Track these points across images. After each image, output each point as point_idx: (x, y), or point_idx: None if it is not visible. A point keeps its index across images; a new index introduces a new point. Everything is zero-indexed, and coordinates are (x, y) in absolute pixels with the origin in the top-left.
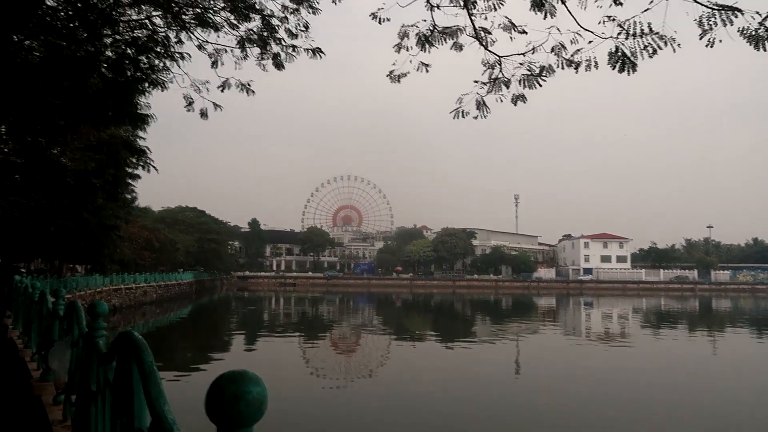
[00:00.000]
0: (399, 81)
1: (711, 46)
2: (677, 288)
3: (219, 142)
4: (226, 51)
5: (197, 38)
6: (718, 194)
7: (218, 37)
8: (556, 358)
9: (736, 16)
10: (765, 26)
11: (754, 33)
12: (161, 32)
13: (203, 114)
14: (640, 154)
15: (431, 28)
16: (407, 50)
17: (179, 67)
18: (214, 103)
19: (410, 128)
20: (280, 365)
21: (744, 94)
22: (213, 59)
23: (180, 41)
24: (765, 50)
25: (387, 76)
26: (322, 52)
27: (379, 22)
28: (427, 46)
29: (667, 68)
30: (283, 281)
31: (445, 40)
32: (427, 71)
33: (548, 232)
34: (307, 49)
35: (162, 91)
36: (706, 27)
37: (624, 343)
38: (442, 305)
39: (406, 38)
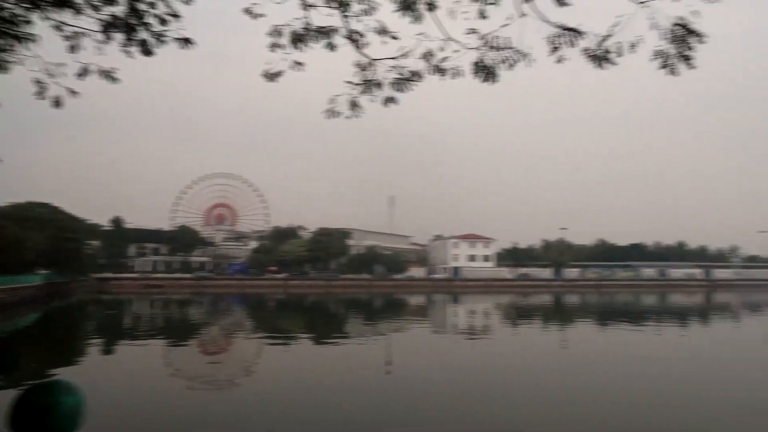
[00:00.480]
0: (274, 80)
1: (560, 62)
2: (535, 285)
3: (80, 135)
4: (86, 35)
5: (53, 19)
6: (571, 198)
7: (78, 19)
8: (425, 352)
9: (581, 38)
10: (603, 48)
11: (594, 53)
12: (8, 8)
13: (57, 102)
14: (505, 158)
15: (306, 27)
16: (281, 49)
17: (28, 48)
18: (70, 89)
19: (288, 125)
20: (139, 373)
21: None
22: (72, 43)
23: (28, 21)
24: (604, 69)
25: (262, 75)
26: (191, 42)
27: (254, 18)
28: (300, 44)
29: (523, 75)
30: (149, 283)
31: (318, 39)
32: (302, 69)
33: (421, 232)
34: (177, 39)
35: (3, 73)
36: (555, 45)
37: (486, 336)
38: (316, 305)
39: (279, 36)
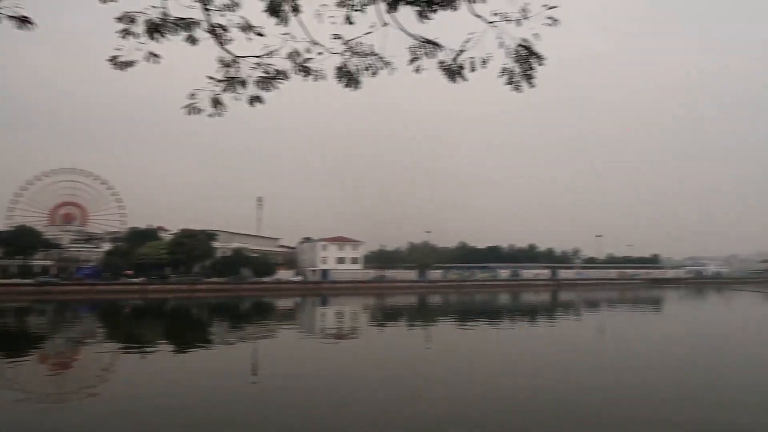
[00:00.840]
0: (124, 69)
1: (418, 72)
2: (400, 286)
3: None
4: None
5: None
6: (438, 202)
7: None
8: (293, 358)
9: (439, 50)
10: (457, 62)
11: (448, 67)
12: None
13: None
14: (370, 162)
15: (163, 17)
16: (134, 37)
17: None
18: None
19: (145, 121)
20: None
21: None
22: None
23: None
24: (456, 82)
25: (109, 61)
26: (30, 22)
27: (103, 2)
28: (157, 35)
29: (391, 83)
30: None
31: (178, 31)
32: (158, 61)
33: (290, 234)
34: (12, 17)
35: None
36: (416, 56)
37: (354, 338)
38: (177, 311)
39: (132, 24)
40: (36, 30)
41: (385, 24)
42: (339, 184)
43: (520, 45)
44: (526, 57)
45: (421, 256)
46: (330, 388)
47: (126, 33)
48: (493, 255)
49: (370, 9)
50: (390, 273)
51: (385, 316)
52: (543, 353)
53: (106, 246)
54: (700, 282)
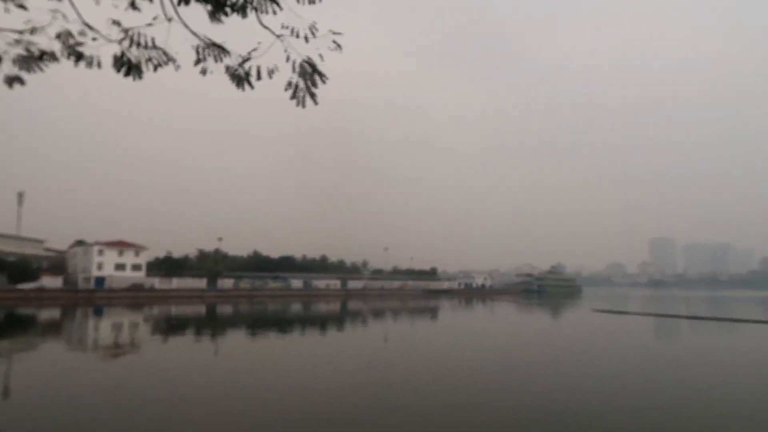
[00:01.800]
0: None
1: (204, 74)
2: (188, 296)
3: None
4: None
5: None
6: (229, 210)
7: None
8: (58, 380)
9: (226, 55)
10: (243, 68)
11: (235, 72)
12: None
13: None
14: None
15: None
16: None
17: None
18: None
19: None
20: None
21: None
22: None
23: None
24: (244, 90)
25: None
26: None
27: None
28: None
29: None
30: None
31: None
32: None
33: (61, 236)
34: None
35: None
36: (201, 57)
37: (130, 352)
38: None
39: None
40: None
41: (170, 19)
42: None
43: (305, 61)
44: (311, 74)
45: (212, 264)
46: (102, 409)
47: None
48: (287, 264)
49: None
50: (176, 281)
51: (170, 327)
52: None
53: None
54: (470, 293)
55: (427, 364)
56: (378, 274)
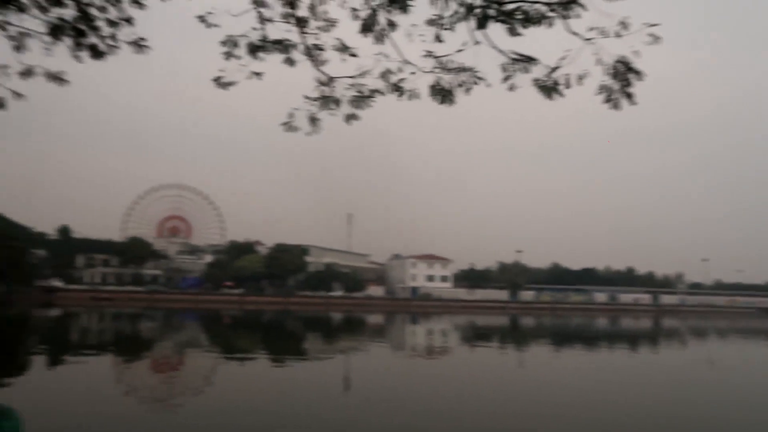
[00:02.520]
0: (227, 88)
1: (512, 90)
2: (491, 306)
3: (26, 140)
4: (32, 36)
5: None
6: (527, 221)
7: (23, 19)
8: (383, 373)
9: (533, 65)
10: (552, 78)
11: (543, 84)
12: None
13: (0, 104)
14: (464, 183)
15: (262, 40)
16: (237, 59)
17: None
18: (14, 92)
19: (242, 140)
20: (87, 389)
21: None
22: (16, 43)
23: None
24: (552, 100)
25: (213, 81)
26: (145, 45)
27: (207, 27)
28: (257, 55)
29: (482, 103)
30: (97, 295)
31: (275, 53)
32: (260, 79)
33: (380, 251)
34: (131, 42)
35: None
36: (508, 73)
37: (444, 356)
38: (273, 322)
39: (235, 47)
40: (146, 58)
41: (477, 42)
42: (428, 205)
43: (618, 61)
44: (625, 73)
45: (512, 276)
46: (422, 405)
47: (229, 55)
48: (588, 277)
49: (460, 27)
50: (480, 292)
51: (477, 336)
52: (646, 382)
53: (208, 258)
54: None
55: None
56: (696, 288)
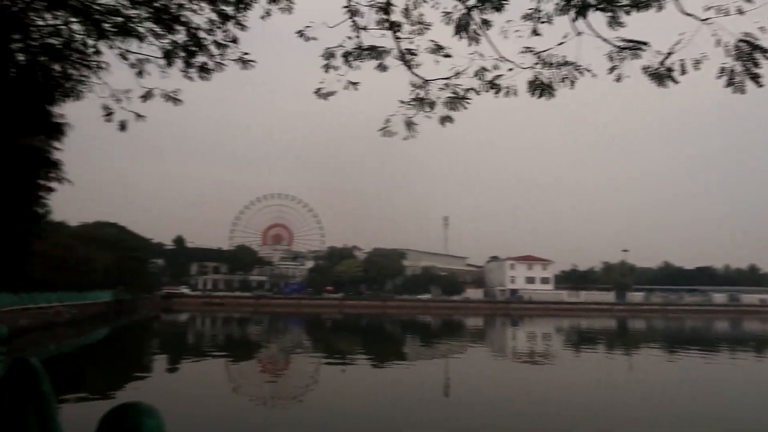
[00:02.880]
0: (326, 98)
1: (619, 81)
2: (596, 309)
3: (141, 157)
4: (149, 61)
5: (119, 47)
6: (633, 219)
7: (141, 46)
8: (481, 377)
9: (643, 51)
10: (664, 65)
11: (655, 71)
12: (78, 40)
13: (122, 126)
14: (560, 180)
15: (358, 49)
16: (334, 69)
17: (97, 76)
18: (136, 113)
19: (340, 147)
20: (203, 387)
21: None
22: (137, 69)
23: (98, 52)
24: (665, 87)
25: (314, 93)
26: (250, 61)
27: (306, 40)
28: (353, 65)
29: (578, 92)
30: (210, 301)
31: (370, 60)
32: (356, 89)
33: (477, 253)
34: (236, 59)
35: (77, 101)
36: (615, 62)
37: (546, 362)
38: (372, 326)
39: (332, 58)
40: (246, 75)
41: (579, 33)
42: (526, 205)
43: (741, 40)
44: (750, 53)
45: (618, 277)
46: (525, 412)
47: (327, 67)
48: (704, 276)
49: (557, 19)
50: (584, 294)
51: (582, 339)
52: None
53: (309, 264)
54: None
55: None
56: None
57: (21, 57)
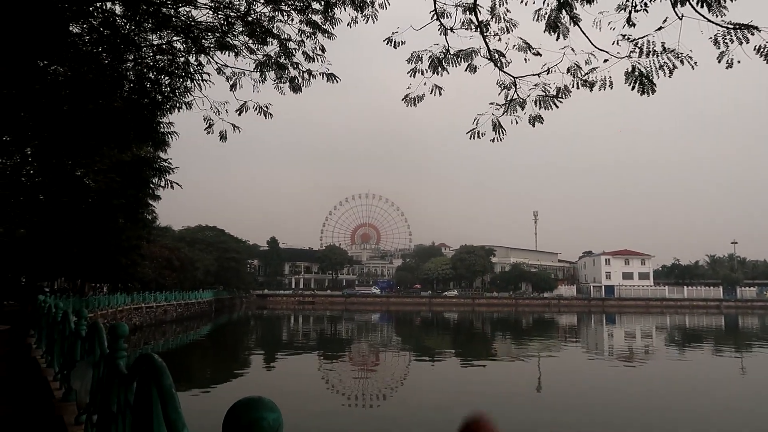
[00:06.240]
0: (415, 105)
1: (730, 67)
2: (702, 305)
3: (237, 162)
4: (244, 74)
5: (216, 62)
6: (743, 210)
7: (236, 61)
8: (576, 377)
9: (753, 34)
10: None
11: None
12: (181, 56)
13: (222, 137)
14: (661, 171)
15: (444, 51)
16: (421, 74)
17: (199, 89)
18: (233, 125)
19: (428, 146)
20: (298, 383)
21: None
22: (231, 82)
23: (200, 65)
24: None
25: (402, 100)
26: (336, 78)
27: (394, 47)
28: (440, 69)
29: (683, 82)
30: (302, 299)
31: (458, 62)
32: (441, 94)
33: (568, 248)
34: (323, 74)
35: (179, 112)
36: (722, 47)
37: (646, 362)
38: (461, 323)
39: (419, 62)
40: (342, 82)
41: (682, 16)
42: (622, 197)
43: None
44: None
45: (727, 271)
46: (621, 415)
47: (414, 71)
48: None
49: (653, 8)
50: (688, 290)
51: (685, 338)
52: None
53: (397, 262)
54: None
55: None
56: None
57: (131, 76)
